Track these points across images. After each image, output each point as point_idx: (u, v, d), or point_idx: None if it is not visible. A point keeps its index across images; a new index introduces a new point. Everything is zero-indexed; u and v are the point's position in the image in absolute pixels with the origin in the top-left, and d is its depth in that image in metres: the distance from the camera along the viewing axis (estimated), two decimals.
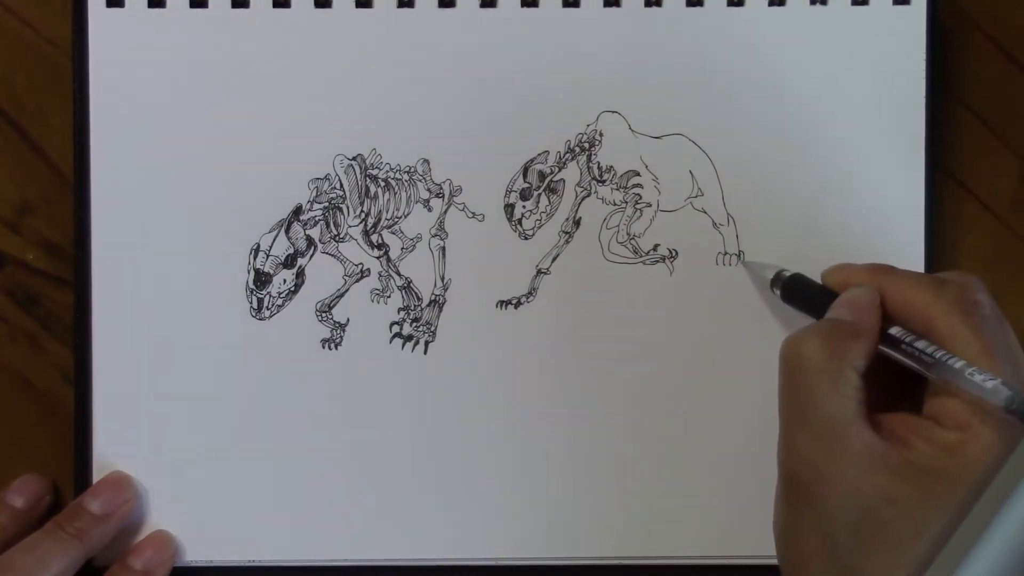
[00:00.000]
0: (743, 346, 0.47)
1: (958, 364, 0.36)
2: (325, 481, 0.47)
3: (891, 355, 0.38)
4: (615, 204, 0.47)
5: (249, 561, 0.47)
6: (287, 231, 0.47)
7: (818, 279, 0.43)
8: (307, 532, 0.47)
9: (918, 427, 0.37)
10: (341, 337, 0.47)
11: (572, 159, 0.47)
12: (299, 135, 0.47)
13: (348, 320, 0.47)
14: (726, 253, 0.47)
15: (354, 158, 0.47)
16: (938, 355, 0.37)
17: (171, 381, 0.47)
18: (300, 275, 0.47)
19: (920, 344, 0.37)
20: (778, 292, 0.45)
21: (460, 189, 0.47)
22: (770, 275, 0.45)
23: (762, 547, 0.46)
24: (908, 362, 0.37)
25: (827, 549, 0.36)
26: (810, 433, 0.37)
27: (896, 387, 0.39)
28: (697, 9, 0.47)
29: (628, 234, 0.47)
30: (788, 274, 0.44)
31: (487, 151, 0.47)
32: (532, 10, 0.47)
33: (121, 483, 0.46)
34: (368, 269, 0.47)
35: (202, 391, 0.47)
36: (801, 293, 0.44)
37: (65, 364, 0.48)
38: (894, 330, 0.38)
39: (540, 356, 0.47)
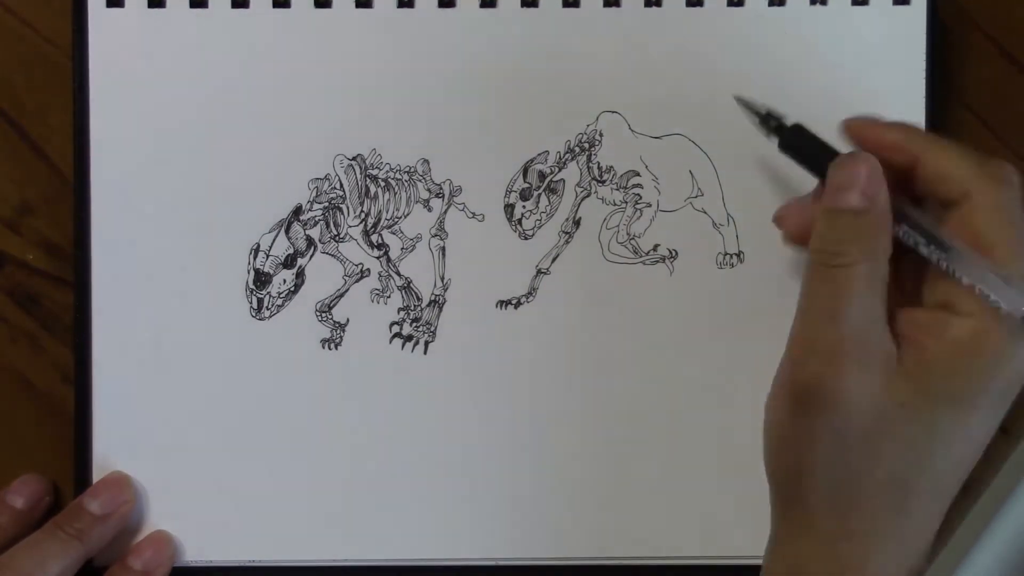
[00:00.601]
0: (743, 346, 0.47)
1: (980, 263, 0.35)
2: (325, 481, 0.47)
3: (910, 243, 0.37)
4: (615, 204, 0.47)
5: (249, 561, 0.47)
6: (287, 231, 0.47)
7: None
8: (307, 532, 0.47)
9: (930, 324, 0.36)
10: (341, 337, 0.47)
11: (572, 159, 0.47)
12: (299, 135, 0.47)
13: (348, 320, 0.47)
14: (726, 253, 0.47)
15: (354, 158, 0.47)
16: (956, 246, 0.35)
17: (171, 381, 0.47)
18: (300, 275, 0.47)
19: (934, 231, 0.36)
20: (775, 139, 0.42)
21: (460, 189, 0.47)
22: (764, 115, 0.42)
23: (762, 547, 0.46)
24: (926, 253, 0.36)
25: (834, 454, 0.36)
26: (837, 335, 0.36)
27: (903, 263, 0.38)
28: (697, 9, 0.47)
29: (628, 234, 0.47)
30: (790, 123, 0.42)
31: (487, 151, 0.47)
32: (532, 10, 0.47)
33: (121, 483, 0.46)
34: (368, 269, 0.47)
35: (202, 391, 0.47)
36: (804, 147, 0.41)
37: (65, 364, 0.48)
38: (909, 210, 0.37)
39: (540, 356, 0.47)
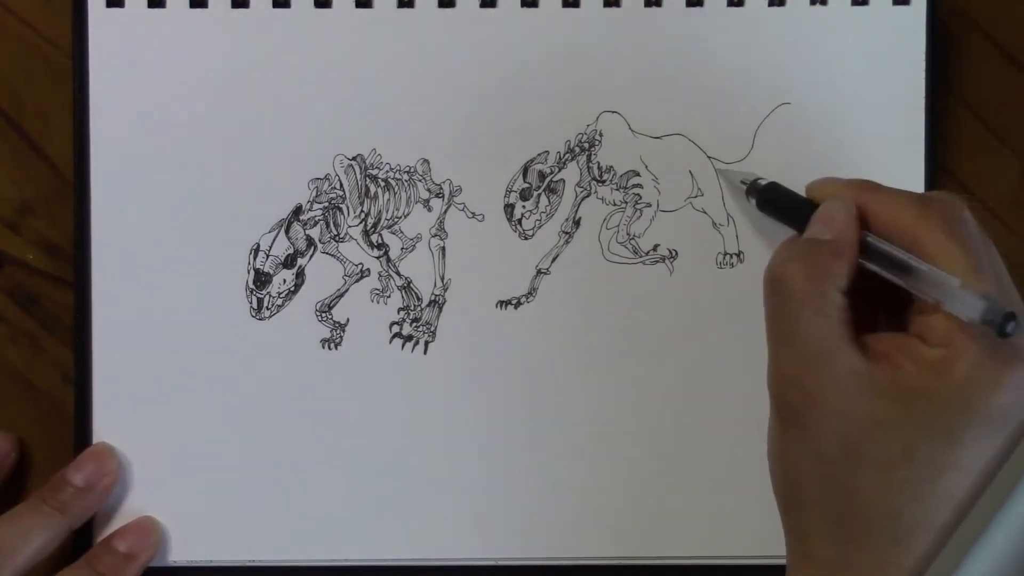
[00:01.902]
0: (743, 346, 0.47)
1: (938, 276, 0.35)
2: (325, 481, 0.47)
3: (872, 268, 0.37)
4: (615, 204, 0.47)
5: (248, 561, 0.47)
6: (287, 231, 0.47)
7: None
8: (307, 532, 0.47)
9: (904, 346, 0.36)
10: (341, 337, 0.47)
11: (572, 159, 0.47)
12: (299, 135, 0.47)
13: (348, 320, 0.47)
14: (726, 253, 0.47)
15: (354, 158, 0.47)
16: (918, 267, 0.36)
17: (171, 381, 0.47)
18: (300, 275, 0.47)
19: (900, 256, 0.37)
20: (753, 200, 0.44)
21: (460, 189, 0.47)
22: (746, 182, 0.44)
23: (764, 547, 0.46)
24: (888, 275, 0.37)
25: (820, 470, 0.36)
26: (797, 358, 0.37)
27: (883, 306, 0.39)
28: (697, 9, 0.47)
29: (628, 234, 0.47)
30: (764, 182, 0.44)
31: (487, 151, 0.47)
32: (532, 10, 0.47)
33: (104, 455, 0.46)
34: (368, 269, 0.47)
35: (202, 391, 0.47)
36: (778, 202, 0.43)
37: (65, 364, 0.48)
38: (872, 239, 0.38)
39: (540, 356, 0.47)
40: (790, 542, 0.38)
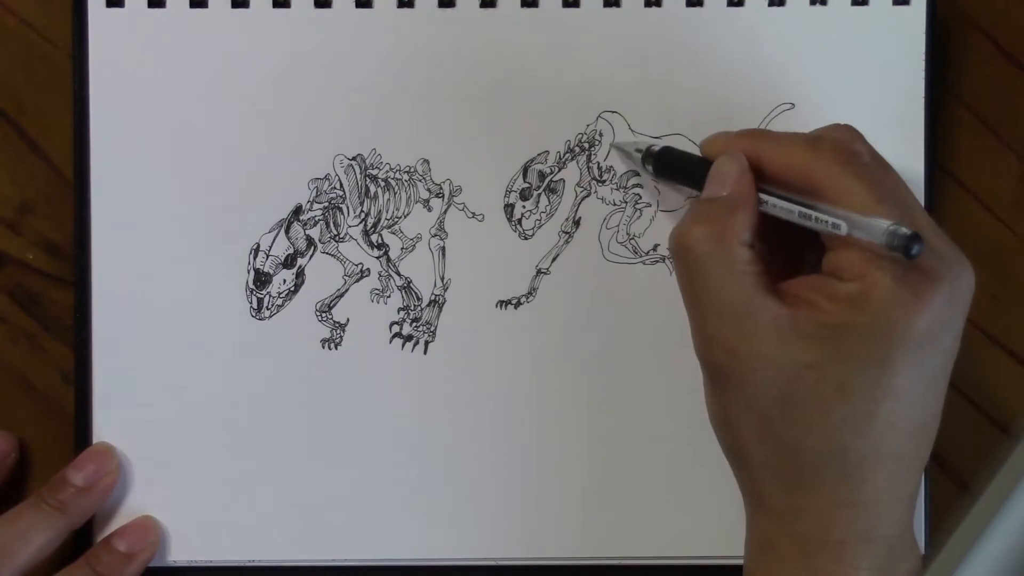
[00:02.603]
0: None
1: (838, 213, 0.35)
2: (325, 481, 0.47)
3: (775, 214, 0.37)
4: (615, 204, 0.47)
5: (248, 561, 0.47)
6: (287, 231, 0.47)
7: None
8: (307, 532, 0.47)
9: (820, 286, 0.36)
10: (341, 337, 0.47)
11: (572, 159, 0.47)
12: (299, 135, 0.47)
13: (348, 320, 0.47)
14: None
15: (354, 158, 0.47)
16: (819, 208, 0.36)
17: (171, 381, 0.47)
18: (300, 275, 0.47)
19: (797, 199, 0.37)
20: (651, 168, 0.44)
21: (460, 189, 0.47)
22: (640, 150, 0.45)
23: None
24: (793, 218, 0.37)
25: (760, 426, 0.37)
26: (716, 317, 0.37)
27: (797, 254, 0.39)
28: (697, 9, 0.47)
29: (628, 234, 0.47)
30: (658, 148, 0.44)
31: (487, 151, 0.47)
32: (532, 10, 0.47)
33: (104, 455, 0.46)
34: (368, 269, 0.47)
35: (202, 391, 0.47)
36: (675, 166, 0.43)
37: (65, 364, 0.48)
38: (767, 189, 0.38)
39: (540, 356, 0.47)
40: (745, 498, 0.39)
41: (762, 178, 0.39)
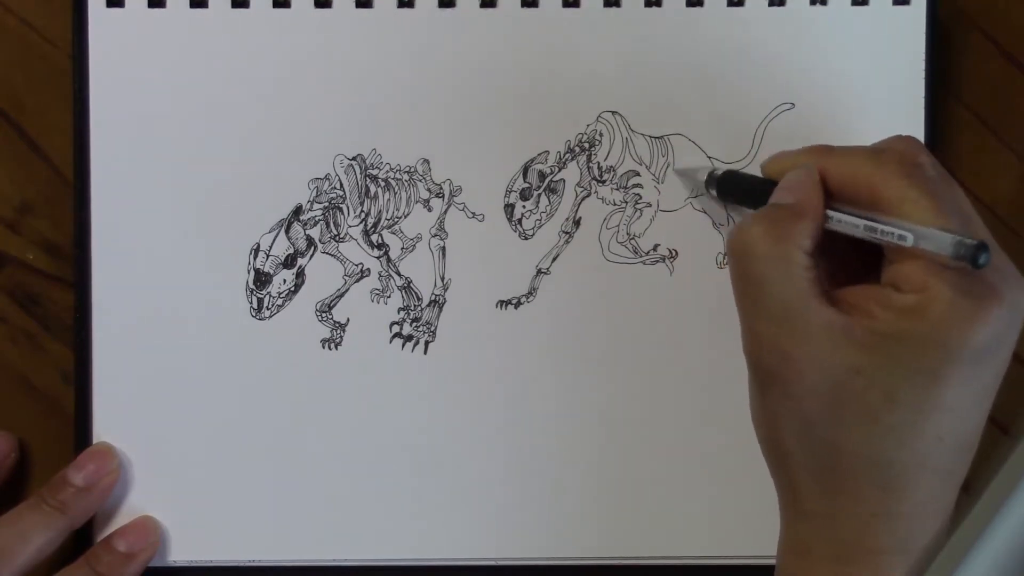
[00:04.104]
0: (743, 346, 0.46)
1: (904, 225, 0.35)
2: (325, 481, 0.47)
3: (840, 229, 0.37)
4: (615, 204, 0.47)
5: (248, 561, 0.47)
6: (287, 231, 0.47)
7: None
8: (306, 532, 0.47)
9: (877, 296, 0.36)
10: (341, 337, 0.47)
11: (572, 159, 0.47)
12: (299, 135, 0.47)
13: (348, 320, 0.47)
14: (726, 253, 0.47)
15: (354, 158, 0.47)
16: (884, 221, 0.36)
17: (171, 381, 0.47)
18: (300, 275, 0.47)
19: (866, 214, 0.37)
20: (714, 192, 0.45)
21: (460, 189, 0.47)
22: (703, 176, 0.45)
23: (762, 547, 0.46)
24: (857, 233, 0.37)
25: (803, 428, 0.36)
26: (769, 318, 0.37)
27: (856, 266, 0.39)
28: (697, 9, 0.47)
29: (628, 234, 0.47)
30: (721, 172, 0.44)
31: (487, 151, 0.47)
32: (532, 10, 0.47)
33: (104, 455, 0.46)
34: (368, 269, 0.47)
35: (202, 391, 0.47)
36: (739, 187, 0.44)
37: (65, 364, 0.48)
38: (833, 205, 0.38)
39: (540, 356, 0.47)
40: (782, 500, 0.39)
41: (826, 192, 0.38)
